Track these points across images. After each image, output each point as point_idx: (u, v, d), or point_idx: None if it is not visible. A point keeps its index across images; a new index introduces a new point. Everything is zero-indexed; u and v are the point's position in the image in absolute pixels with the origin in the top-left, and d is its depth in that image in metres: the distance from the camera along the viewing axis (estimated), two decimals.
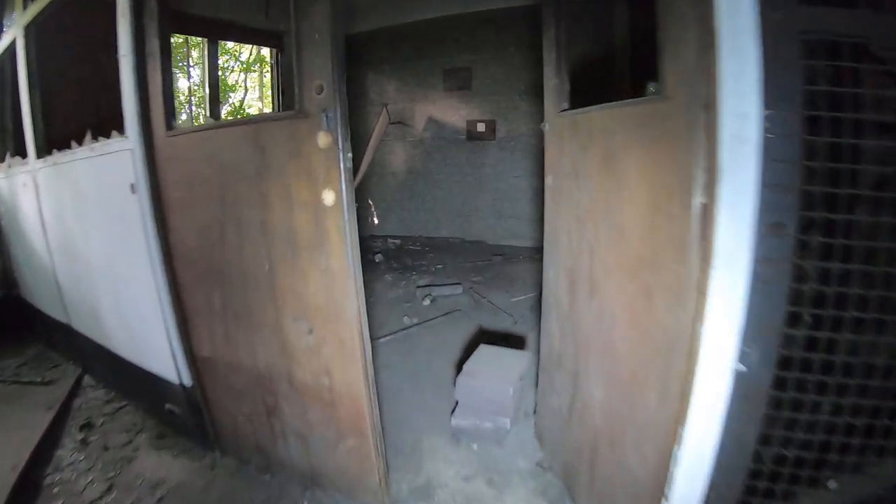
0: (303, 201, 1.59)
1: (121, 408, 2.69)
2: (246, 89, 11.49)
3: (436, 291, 4.26)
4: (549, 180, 1.97)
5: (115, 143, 2.06)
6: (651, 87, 1.28)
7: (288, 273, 1.71)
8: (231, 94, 11.19)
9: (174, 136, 1.88)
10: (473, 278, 4.75)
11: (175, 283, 2.04)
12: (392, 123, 6.53)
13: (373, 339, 3.04)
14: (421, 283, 4.63)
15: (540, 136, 5.84)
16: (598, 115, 1.55)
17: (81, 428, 2.49)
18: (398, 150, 6.64)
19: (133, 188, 1.99)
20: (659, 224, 1.23)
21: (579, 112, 1.69)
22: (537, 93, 5.69)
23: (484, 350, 2.54)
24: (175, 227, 1.98)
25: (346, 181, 1.50)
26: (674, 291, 1.18)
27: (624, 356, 1.43)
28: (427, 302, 4.07)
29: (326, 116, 1.47)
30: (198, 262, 1.96)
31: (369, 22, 6.21)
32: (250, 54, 10.89)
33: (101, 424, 2.53)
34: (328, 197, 1.52)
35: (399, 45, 6.39)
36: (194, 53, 9.97)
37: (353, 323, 1.61)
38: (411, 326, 3.60)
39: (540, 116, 1.96)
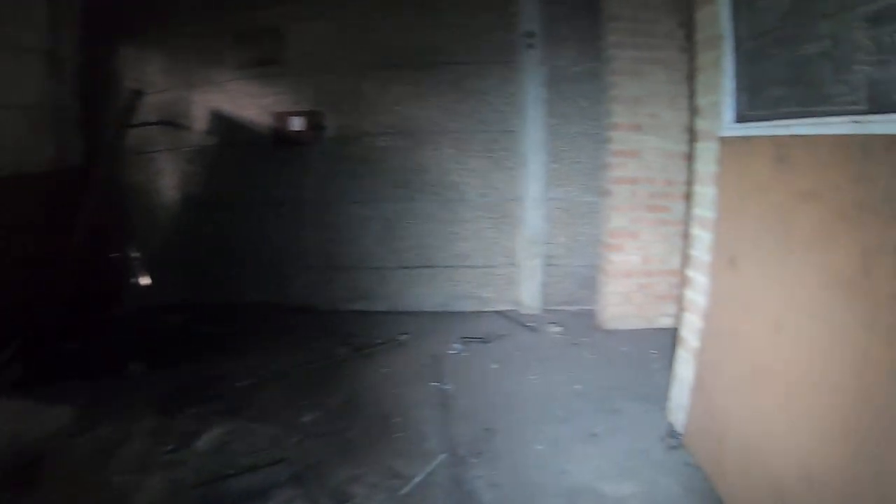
0: None
1: None
2: None
3: None
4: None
5: None
6: None
7: None
8: None
9: None
10: (305, 416, 2.34)
11: None
12: (153, 124, 3.88)
13: None
14: (205, 445, 2.10)
15: (401, 136, 3.41)
16: None
17: None
18: (168, 168, 3.99)
19: None
20: None
21: None
22: (394, 64, 3.49)
23: None
24: None
25: None
26: None
27: None
28: None
29: None
30: None
31: None
32: None
33: None
34: None
35: None
36: None
37: None
38: None
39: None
